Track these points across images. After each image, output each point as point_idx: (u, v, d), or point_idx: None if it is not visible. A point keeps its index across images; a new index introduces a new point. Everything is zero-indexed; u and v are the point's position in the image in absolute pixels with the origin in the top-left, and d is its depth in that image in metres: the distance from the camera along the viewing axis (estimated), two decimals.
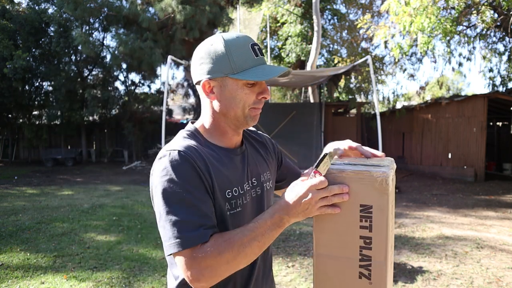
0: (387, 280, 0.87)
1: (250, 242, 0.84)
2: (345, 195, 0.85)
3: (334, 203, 0.86)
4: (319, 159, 0.88)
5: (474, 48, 12.63)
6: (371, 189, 0.85)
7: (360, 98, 15.72)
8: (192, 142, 0.95)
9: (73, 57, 15.31)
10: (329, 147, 1.04)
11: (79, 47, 13.57)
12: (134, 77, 20.23)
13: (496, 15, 8.92)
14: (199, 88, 0.99)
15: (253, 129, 1.21)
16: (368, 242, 0.87)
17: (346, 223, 0.88)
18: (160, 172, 0.88)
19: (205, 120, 1.02)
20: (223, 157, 0.98)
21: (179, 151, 0.90)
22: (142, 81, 16.33)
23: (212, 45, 0.94)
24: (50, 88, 15.76)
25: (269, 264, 1.12)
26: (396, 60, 12.36)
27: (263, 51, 15.53)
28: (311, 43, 13.11)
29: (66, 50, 14.53)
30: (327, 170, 0.87)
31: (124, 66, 14.85)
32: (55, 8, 14.67)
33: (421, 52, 7.46)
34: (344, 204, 0.88)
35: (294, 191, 0.86)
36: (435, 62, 13.09)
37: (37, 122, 16.47)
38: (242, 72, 0.92)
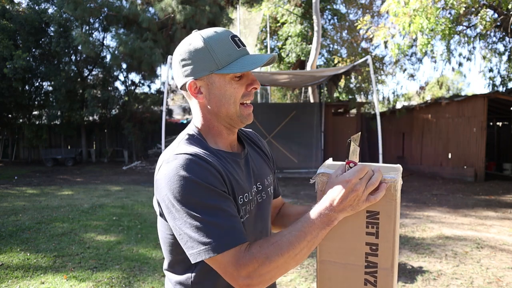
0: (393, 287, 0.87)
1: (300, 243, 0.79)
2: (379, 174, 0.81)
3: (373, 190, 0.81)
4: (346, 149, 0.84)
5: (474, 48, 12.64)
6: None
7: (360, 98, 15.72)
8: (197, 147, 0.90)
9: (73, 57, 15.32)
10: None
11: (79, 47, 13.57)
12: (134, 77, 20.22)
13: (496, 15, 8.92)
14: (185, 92, 0.94)
15: (251, 130, 1.18)
16: (375, 249, 0.85)
17: (352, 229, 0.87)
18: (173, 177, 0.81)
19: (197, 123, 0.97)
20: (230, 162, 0.94)
21: (190, 154, 0.84)
22: (142, 81, 16.34)
23: (191, 44, 0.90)
24: (50, 88, 15.77)
25: None
26: (396, 60, 12.36)
27: (263, 51, 15.56)
28: (311, 43, 13.11)
29: (66, 50, 14.54)
30: (357, 155, 0.83)
31: (124, 66, 14.86)
32: (55, 8, 14.68)
33: (420, 53, 7.47)
34: None
35: (337, 188, 0.80)
36: (435, 62, 13.10)
37: (37, 122, 16.48)
38: (228, 66, 0.88)
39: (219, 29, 0.91)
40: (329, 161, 0.98)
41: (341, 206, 0.80)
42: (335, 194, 0.80)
